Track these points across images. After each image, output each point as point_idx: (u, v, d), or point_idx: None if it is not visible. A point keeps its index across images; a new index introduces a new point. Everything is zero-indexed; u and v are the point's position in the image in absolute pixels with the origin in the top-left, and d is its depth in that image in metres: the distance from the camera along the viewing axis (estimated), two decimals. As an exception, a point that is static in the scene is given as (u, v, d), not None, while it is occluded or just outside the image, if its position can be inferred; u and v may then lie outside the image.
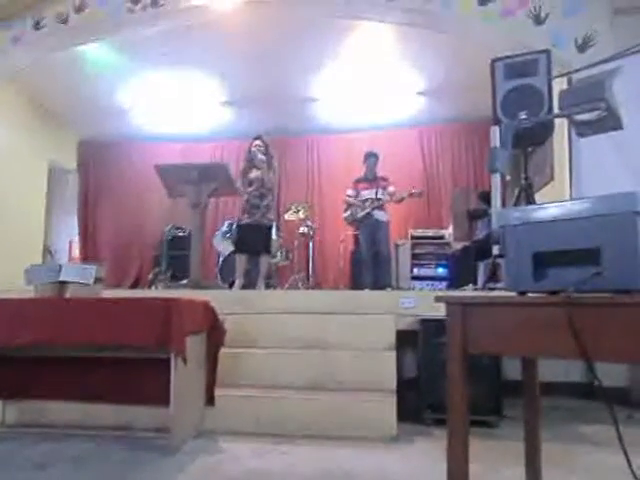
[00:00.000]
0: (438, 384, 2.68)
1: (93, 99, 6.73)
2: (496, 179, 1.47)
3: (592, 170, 3.48)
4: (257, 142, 4.92)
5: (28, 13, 5.12)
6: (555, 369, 3.05)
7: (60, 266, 2.75)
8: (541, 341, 1.10)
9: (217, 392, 2.72)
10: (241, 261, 4.90)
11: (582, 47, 4.15)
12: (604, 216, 1.03)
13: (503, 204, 1.79)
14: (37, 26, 5.13)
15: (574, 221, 1.08)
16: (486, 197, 5.47)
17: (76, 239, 7.99)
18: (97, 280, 2.89)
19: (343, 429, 2.62)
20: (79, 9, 5.02)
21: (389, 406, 2.63)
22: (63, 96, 6.61)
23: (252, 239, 4.76)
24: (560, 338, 1.03)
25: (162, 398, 2.37)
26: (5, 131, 6.16)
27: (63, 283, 2.70)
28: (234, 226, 5.61)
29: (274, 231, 6.84)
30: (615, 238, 1.02)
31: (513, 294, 1.24)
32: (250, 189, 4.79)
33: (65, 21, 5.05)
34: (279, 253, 6.60)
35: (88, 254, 7.85)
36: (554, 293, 1.16)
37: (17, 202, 6.25)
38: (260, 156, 4.81)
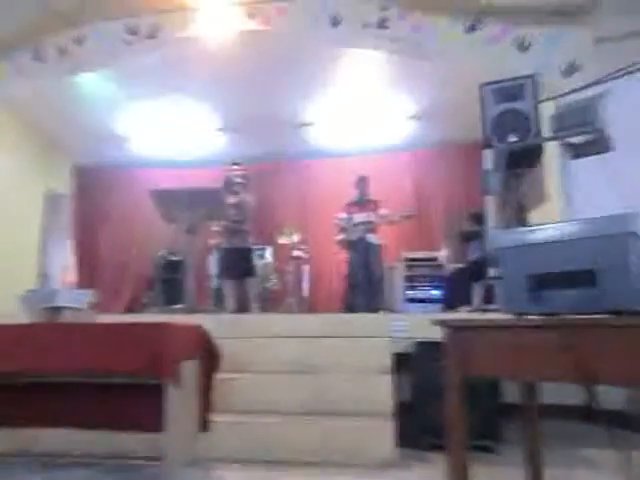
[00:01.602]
0: (435, 408, 2.63)
1: (90, 126, 6.79)
2: (490, 201, 1.49)
3: (584, 191, 3.52)
4: (234, 167, 5.10)
5: (29, 45, 5.25)
6: (553, 391, 3.02)
7: (55, 291, 2.74)
8: (538, 364, 1.09)
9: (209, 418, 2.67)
10: (228, 286, 4.96)
11: (567, 72, 4.26)
12: (599, 237, 1.04)
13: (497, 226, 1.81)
14: (37, 57, 5.25)
15: (569, 243, 1.08)
16: (477, 218, 5.50)
17: (70, 264, 7.94)
18: (92, 305, 2.88)
19: (339, 455, 2.57)
20: (78, 41, 5.15)
21: (386, 430, 2.59)
22: (60, 122, 6.67)
23: (234, 264, 4.86)
24: (558, 361, 1.02)
25: (155, 425, 2.31)
26: (2, 157, 6.18)
27: (57, 308, 2.68)
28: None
29: (268, 255, 6.90)
30: (610, 259, 1.03)
31: (509, 316, 1.24)
32: (229, 214, 4.87)
33: (64, 52, 5.19)
34: (272, 277, 6.58)
35: (82, 279, 7.76)
36: (550, 315, 1.16)
37: (12, 227, 6.23)
38: (238, 181, 4.94)
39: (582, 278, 1.05)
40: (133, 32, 5.05)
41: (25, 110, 6.24)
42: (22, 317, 2.78)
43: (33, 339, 2.42)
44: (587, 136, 1.39)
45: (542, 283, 1.13)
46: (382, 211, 5.53)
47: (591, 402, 1.07)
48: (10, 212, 6.23)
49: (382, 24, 4.78)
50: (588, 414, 2.98)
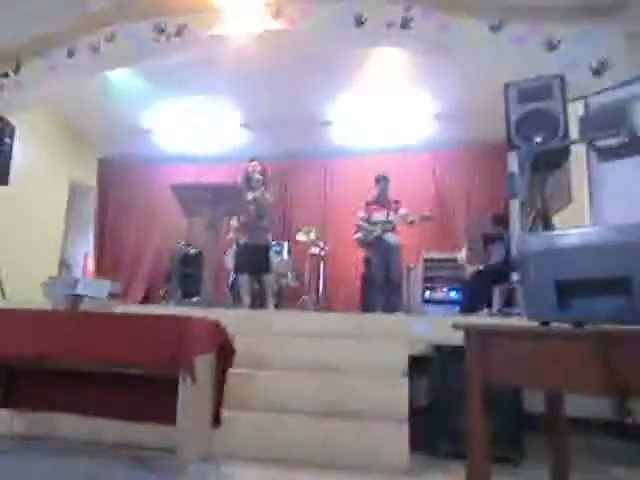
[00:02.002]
0: (454, 414, 2.58)
1: (116, 120, 6.98)
2: (515, 204, 1.44)
3: (614, 193, 3.38)
4: (253, 163, 5.14)
5: (63, 44, 5.46)
6: (582, 404, 2.86)
7: (76, 280, 2.79)
8: (567, 375, 1.04)
9: (223, 414, 2.66)
10: (245, 281, 4.97)
11: (597, 71, 4.13)
12: (635, 243, 0.98)
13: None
14: (70, 55, 5.45)
15: (602, 248, 1.03)
16: (500, 220, 5.40)
17: (91, 253, 8.11)
18: (111, 295, 2.92)
19: (352, 458, 2.53)
20: (109, 39, 5.33)
21: (401, 436, 2.54)
22: (87, 116, 6.89)
23: (251, 259, 4.89)
24: (588, 372, 0.97)
25: (170, 417, 2.31)
26: (31, 149, 6.40)
27: (78, 297, 2.72)
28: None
29: (285, 251, 6.91)
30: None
31: (532, 322, 1.19)
32: (248, 210, 4.91)
33: (96, 50, 5.37)
34: (289, 274, 6.58)
35: (102, 269, 7.92)
36: (578, 324, 1.11)
37: (38, 216, 6.50)
38: (257, 176, 4.98)
39: (617, 286, 1.00)
40: (161, 31, 5.17)
41: (56, 105, 6.47)
42: (45, 304, 2.84)
43: (53, 326, 2.43)
44: (619, 138, 1.33)
45: (572, 290, 1.08)
46: (402, 211, 5.47)
47: (624, 417, 1.02)
48: (38, 201, 6.50)
49: (406, 24, 4.73)
50: (620, 429, 2.82)
